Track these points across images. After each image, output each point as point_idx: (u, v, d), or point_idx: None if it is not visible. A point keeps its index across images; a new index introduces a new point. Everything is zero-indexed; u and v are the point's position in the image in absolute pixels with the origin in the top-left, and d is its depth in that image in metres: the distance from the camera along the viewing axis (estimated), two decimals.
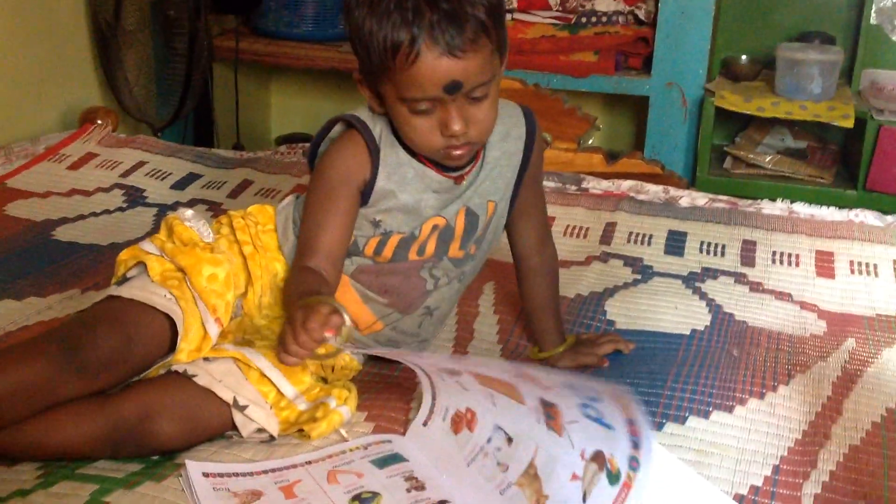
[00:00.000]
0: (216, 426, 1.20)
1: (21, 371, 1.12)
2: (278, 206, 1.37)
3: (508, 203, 1.36)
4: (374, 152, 1.25)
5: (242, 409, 1.19)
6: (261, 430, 1.20)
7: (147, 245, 1.29)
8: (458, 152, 1.22)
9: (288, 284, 1.29)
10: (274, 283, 1.32)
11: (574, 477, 1.05)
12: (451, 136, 1.19)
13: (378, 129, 1.27)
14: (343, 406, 1.24)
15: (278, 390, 1.22)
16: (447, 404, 1.22)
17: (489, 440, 1.16)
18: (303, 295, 1.15)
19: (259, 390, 1.21)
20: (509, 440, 1.14)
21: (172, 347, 1.20)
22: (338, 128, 1.30)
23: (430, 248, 1.30)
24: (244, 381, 1.21)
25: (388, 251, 1.29)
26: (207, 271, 1.25)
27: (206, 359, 1.22)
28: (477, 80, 1.17)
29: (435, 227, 1.29)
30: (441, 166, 1.27)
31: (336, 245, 1.26)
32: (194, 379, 1.19)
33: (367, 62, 1.19)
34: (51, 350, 1.14)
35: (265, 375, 1.22)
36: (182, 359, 1.20)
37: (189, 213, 1.33)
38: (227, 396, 1.19)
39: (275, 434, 1.20)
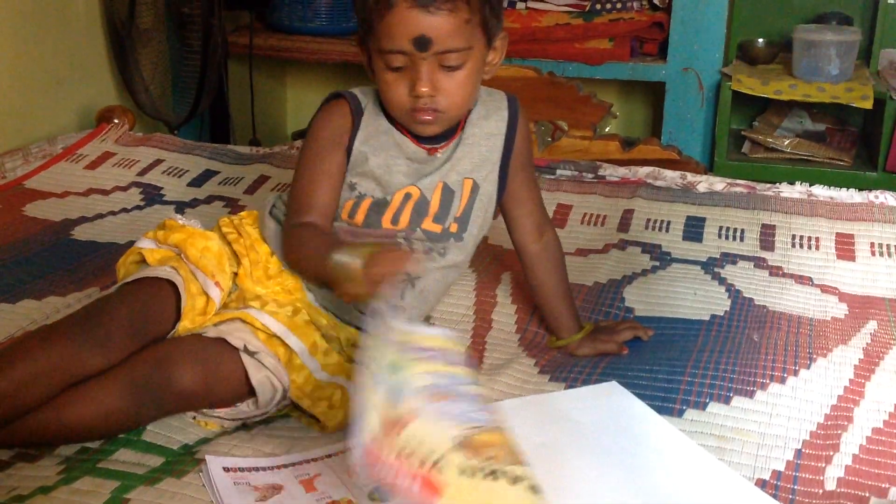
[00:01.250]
0: (230, 373, 1.20)
1: (46, 352, 1.14)
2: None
3: (496, 187, 1.38)
4: (356, 115, 1.30)
5: (253, 354, 1.21)
6: (271, 396, 1.21)
7: (141, 242, 1.34)
8: (424, 116, 1.25)
9: (295, 243, 1.28)
10: (259, 260, 1.33)
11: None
12: (417, 96, 1.23)
13: (366, 100, 1.32)
14: None
15: (288, 349, 1.23)
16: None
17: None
18: (331, 246, 1.14)
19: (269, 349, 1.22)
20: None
21: (179, 316, 1.24)
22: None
23: (405, 218, 1.32)
24: (252, 335, 1.23)
25: (360, 215, 1.31)
26: (200, 244, 1.31)
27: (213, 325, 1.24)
28: (449, 42, 1.21)
29: (408, 195, 1.31)
30: (417, 137, 1.30)
31: (329, 202, 1.30)
32: (204, 334, 1.22)
33: (360, 20, 1.24)
34: (72, 331, 1.17)
35: (273, 336, 1.23)
36: (188, 325, 1.24)
37: (180, 217, 1.37)
38: (237, 343, 1.21)
39: (286, 385, 1.21)
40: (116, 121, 2.41)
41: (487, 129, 1.35)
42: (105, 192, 2.07)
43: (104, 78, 2.68)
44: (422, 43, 1.19)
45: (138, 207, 2.00)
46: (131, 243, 1.76)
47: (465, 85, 1.25)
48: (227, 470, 1.12)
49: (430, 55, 1.20)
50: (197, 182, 2.14)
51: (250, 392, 1.21)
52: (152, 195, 2.06)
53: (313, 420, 1.25)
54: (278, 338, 1.23)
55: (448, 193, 1.33)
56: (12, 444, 1.15)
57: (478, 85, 1.30)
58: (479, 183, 1.35)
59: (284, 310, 1.28)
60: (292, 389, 1.22)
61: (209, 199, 2.04)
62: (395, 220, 1.31)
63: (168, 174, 2.17)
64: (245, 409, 1.23)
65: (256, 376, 1.20)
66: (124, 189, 2.09)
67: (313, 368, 1.24)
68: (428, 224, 1.33)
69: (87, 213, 1.96)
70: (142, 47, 2.61)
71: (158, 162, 2.22)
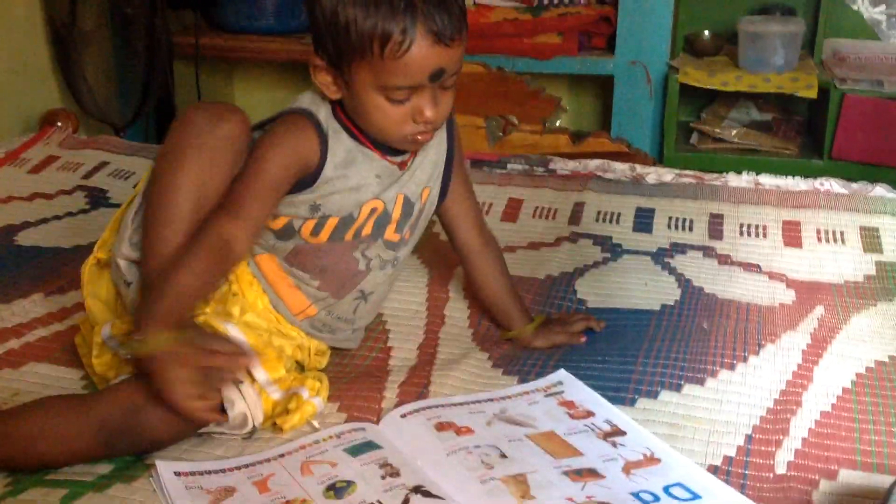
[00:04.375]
0: None
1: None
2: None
3: (439, 189, 1.37)
4: (323, 141, 1.24)
5: (238, 383, 1.18)
6: (241, 425, 1.18)
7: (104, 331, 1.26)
8: (424, 137, 1.24)
9: (193, 251, 1.17)
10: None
11: (569, 499, 1.05)
12: (425, 121, 1.20)
13: (322, 116, 1.25)
14: (316, 397, 1.24)
15: (251, 377, 1.21)
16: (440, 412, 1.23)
17: (477, 446, 1.16)
18: (167, 312, 1.12)
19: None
20: (503, 456, 1.14)
21: None
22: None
23: (367, 230, 1.30)
24: None
25: (324, 234, 1.28)
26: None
27: None
28: (457, 67, 1.20)
29: (373, 210, 1.29)
30: (385, 151, 1.27)
31: (263, 216, 1.23)
32: None
33: (339, 49, 1.17)
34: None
35: None
36: None
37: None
38: None
39: (258, 422, 1.19)
40: (60, 124, 2.37)
41: (437, 134, 1.33)
42: (49, 197, 2.03)
43: (47, 81, 2.64)
44: (438, 75, 1.17)
45: (83, 211, 1.97)
46: (76, 247, 1.76)
47: (451, 102, 1.24)
48: (178, 474, 1.10)
49: (438, 82, 1.19)
50: None
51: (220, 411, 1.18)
52: (97, 198, 2.03)
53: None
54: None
55: (408, 204, 1.31)
56: None
57: None
58: (432, 190, 1.34)
59: (260, 331, 1.26)
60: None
61: None
62: (357, 233, 1.29)
63: (114, 176, 2.13)
64: (212, 427, 1.19)
65: (231, 413, 1.17)
66: (69, 193, 2.05)
67: (270, 391, 1.22)
68: (389, 234, 1.31)
69: (31, 217, 1.92)
70: (84, 49, 2.57)
71: (104, 165, 2.19)
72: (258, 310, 1.29)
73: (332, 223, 1.28)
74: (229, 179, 1.21)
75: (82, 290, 1.31)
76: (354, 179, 1.26)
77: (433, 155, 1.34)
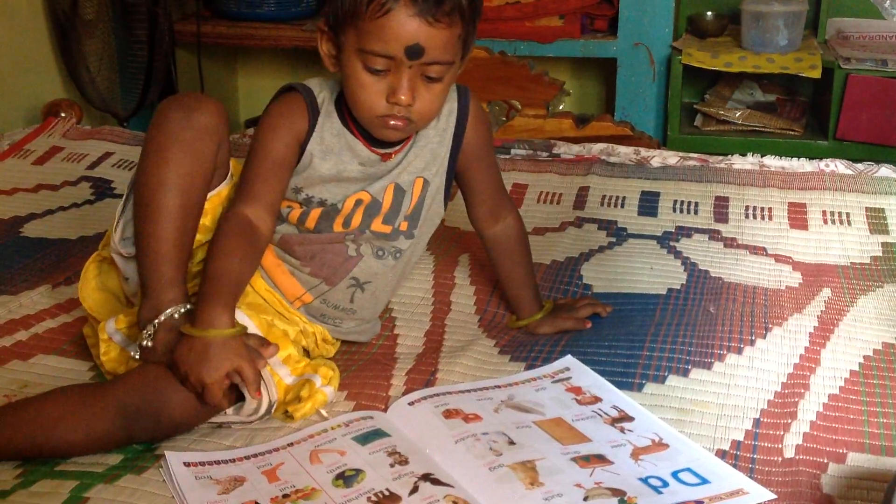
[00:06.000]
0: None
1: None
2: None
3: (444, 180, 1.35)
4: (312, 113, 1.26)
5: None
6: (255, 410, 1.19)
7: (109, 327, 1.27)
8: (396, 123, 1.22)
9: (222, 240, 1.21)
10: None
11: (578, 485, 1.06)
12: (396, 103, 1.19)
13: (322, 96, 1.27)
14: (327, 386, 1.24)
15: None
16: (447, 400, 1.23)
17: (485, 433, 1.16)
18: (216, 295, 1.16)
19: None
20: (511, 443, 1.14)
21: None
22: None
23: (356, 220, 1.30)
24: None
25: (310, 222, 1.29)
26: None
27: None
28: (439, 55, 1.18)
29: (358, 201, 1.29)
30: (371, 141, 1.27)
31: (276, 197, 1.26)
32: None
33: (336, 8, 1.19)
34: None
35: None
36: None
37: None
38: None
39: (274, 398, 1.19)
40: (63, 115, 2.37)
41: (439, 126, 1.32)
42: (54, 188, 2.03)
43: (49, 71, 2.64)
44: (415, 52, 1.16)
45: (89, 202, 1.97)
46: (82, 238, 1.76)
47: (439, 97, 1.23)
48: (187, 465, 1.11)
49: (416, 64, 1.17)
50: None
51: (236, 397, 1.19)
52: (102, 189, 2.03)
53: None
54: None
55: (399, 194, 1.31)
56: None
57: (447, 97, 1.28)
58: (429, 180, 1.33)
59: (264, 317, 1.26)
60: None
61: None
62: (346, 224, 1.30)
63: (118, 167, 2.13)
64: (225, 416, 1.20)
65: (248, 396, 1.17)
66: (74, 184, 2.06)
67: (283, 375, 1.23)
68: (377, 225, 1.31)
69: (37, 209, 1.92)
70: (87, 39, 2.56)
71: (108, 155, 2.19)
72: (259, 289, 1.30)
73: (315, 213, 1.29)
74: (212, 168, 1.25)
75: (79, 290, 1.33)
76: (336, 165, 1.27)
77: (436, 146, 1.32)
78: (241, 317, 1.22)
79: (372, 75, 1.19)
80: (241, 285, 1.21)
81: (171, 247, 1.20)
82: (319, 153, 1.27)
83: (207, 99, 1.26)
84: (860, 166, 1.98)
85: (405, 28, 1.15)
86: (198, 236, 1.26)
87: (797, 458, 1.14)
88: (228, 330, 1.14)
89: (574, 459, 1.11)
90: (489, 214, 1.43)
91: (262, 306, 1.29)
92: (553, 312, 1.46)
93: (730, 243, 1.72)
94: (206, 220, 1.27)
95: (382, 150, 1.29)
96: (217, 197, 1.29)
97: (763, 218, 1.81)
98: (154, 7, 2.54)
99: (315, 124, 1.26)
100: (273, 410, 1.21)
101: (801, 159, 2.02)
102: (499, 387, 1.28)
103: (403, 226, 1.33)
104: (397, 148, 1.30)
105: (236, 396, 1.18)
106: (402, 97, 1.18)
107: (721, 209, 1.84)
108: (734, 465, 1.12)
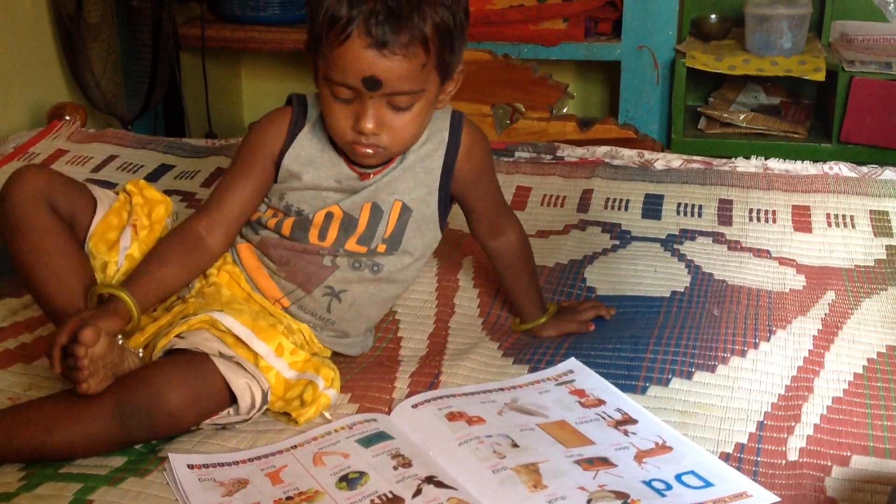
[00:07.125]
0: (213, 384, 1.17)
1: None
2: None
3: (436, 208, 1.34)
4: (292, 129, 1.28)
5: (230, 358, 1.18)
6: (251, 407, 1.19)
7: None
8: (366, 150, 1.22)
9: (161, 243, 1.29)
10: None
11: (581, 488, 1.06)
12: (360, 132, 1.19)
13: (315, 111, 1.28)
14: (330, 388, 1.24)
15: (254, 353, 1.22)
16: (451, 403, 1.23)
17: (489, 436, 1.16)
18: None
19: (238, 353, 1.21)
20: (514, 445, 1.14)
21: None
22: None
23: (331, 236, 1.30)
24: (221, 342, 1.21)
25: (285, 229, 1.31)
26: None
27: (179, 336, 1.21)
28: (400, 85, 1.17)
29: (329, 214, 1.29)
30: (351, 159, 1.28)
31: (237, 208, 1.29)
32: (173, 346, 1.19)
33: (311, 31, 1.20)
34: None
35: (239, 340, 1.21)
36: (139, 339, 1.23)
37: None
38: (211, 351, 1.18)
39: (265, 389, 1.19)
40: (68, 118, 2.37)
41: (424, 152, 1.31)
42: None
43: (54, 74, 2.64)
44: (372, 84, 1.15)
45: None
46: None
47: (411, 125, 1.22)
48: (191, 467, 1.11)
49: (377, 95, 1.17)
50: (153, 177, 2.11)
51: (232, 399, 1.18)
52: None
53: (281, 413, 1.24)
54: (243, 342, 1.22)
55: (377, 213, 1.30)
56: None
57: (427, 121, 1.26)
58: (409, 206, 1.31)
59: (248, 311, 1.27)
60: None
61: (166, 194, 2.00)
62: (321, 237, 1.30)
63: (123, 170, 2.14)
64: (226, 417, 1.20)
65: (237, 382, 1.17)
66: None
67: (281, 368, 1.23)
68: (352, 244, 1.30)
69: None
70: (91, 42, 2.56)
71: (112, 158, 2.19)
72: (239, 296, 1.32)
73: (289, 223, 1.30)
74: (59, 221, 1.27)
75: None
76: (313, 178, 1.28)
77: (418, 172, 1.31)
78: (224, 317, 1.22)
79: (339, 102, 1.20)
80: (162, 289, 1.25)
81: (63, 294, 1.24)
82: (297, 166, 1.28)
83: (19, 172, 1.27)
84: (864, 169, 1.97)
85: (360, 59, 1.14)
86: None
87: (801, 461, 1.14)
88: (95, 306, 1.19)
89: (577, 462, 1.11)
90: (488, 230, 1.43)
91: (244, 309, 1.28)
92: (557, 315, 1.47)
93: (734, 246, 1.72)
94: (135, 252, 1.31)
95: (361, 170, 1.29)
96: (103, 224, 1.31)
97: (767, 221, 1.81)
98: (158, 10, 2.54)
99: (292, 140, 1.28)
100: (268, 394, 1.20)
101: (805, 162, 2.02)
102: (502, 389, 1.28)
103: (381, 248, 1.32)
104: (377, 168, 1.29)
105: (230, 399, 1.18)
106: (367, 125, 1.18)
107: (725, 212, 1.84)
108: (738, 468, 1.12)
